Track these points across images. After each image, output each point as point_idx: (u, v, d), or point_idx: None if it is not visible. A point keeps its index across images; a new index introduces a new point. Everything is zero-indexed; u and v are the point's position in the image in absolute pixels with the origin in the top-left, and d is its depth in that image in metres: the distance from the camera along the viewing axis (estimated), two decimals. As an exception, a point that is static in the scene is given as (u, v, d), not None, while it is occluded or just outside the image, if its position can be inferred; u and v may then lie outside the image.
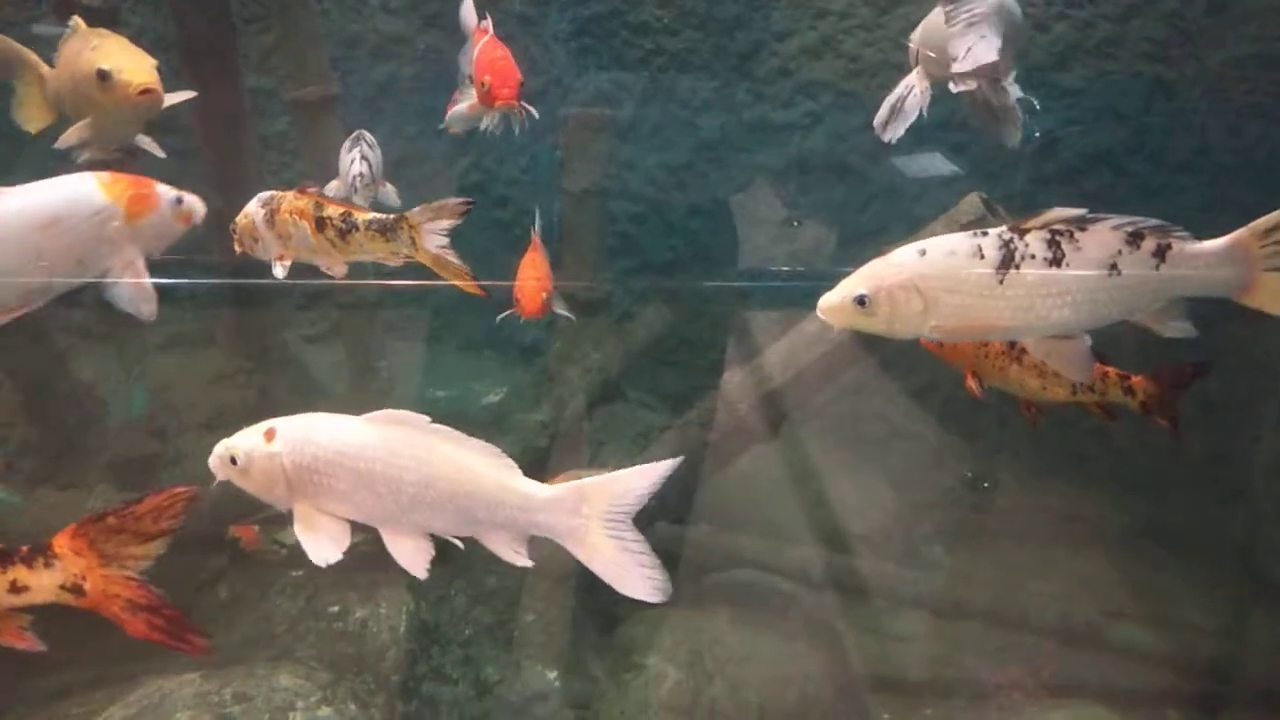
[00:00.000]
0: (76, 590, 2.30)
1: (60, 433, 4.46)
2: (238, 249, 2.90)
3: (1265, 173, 5.33)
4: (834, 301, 2.36)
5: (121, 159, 3.29)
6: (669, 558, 4.37)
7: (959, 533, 5.23)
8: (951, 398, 5.47)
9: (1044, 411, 3.11)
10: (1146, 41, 5.55)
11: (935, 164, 5.12)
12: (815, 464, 5.05)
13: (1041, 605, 4.53)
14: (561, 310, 4.27)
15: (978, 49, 3.01)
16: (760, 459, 4.71)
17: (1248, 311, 2.21)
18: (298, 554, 2.31)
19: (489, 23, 3.59)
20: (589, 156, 5.12)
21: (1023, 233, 2.23)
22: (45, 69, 3.34)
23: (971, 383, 3.11)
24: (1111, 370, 2.92)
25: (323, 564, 2.27)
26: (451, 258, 2.49)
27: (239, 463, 2.34)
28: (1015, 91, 3.27)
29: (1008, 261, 2.23)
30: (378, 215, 2.59)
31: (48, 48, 3.33)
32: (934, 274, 2.28)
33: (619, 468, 2.25)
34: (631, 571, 2.19)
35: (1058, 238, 2.21)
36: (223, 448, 2.37)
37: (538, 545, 2.30)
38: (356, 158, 3.76)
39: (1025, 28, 3.39)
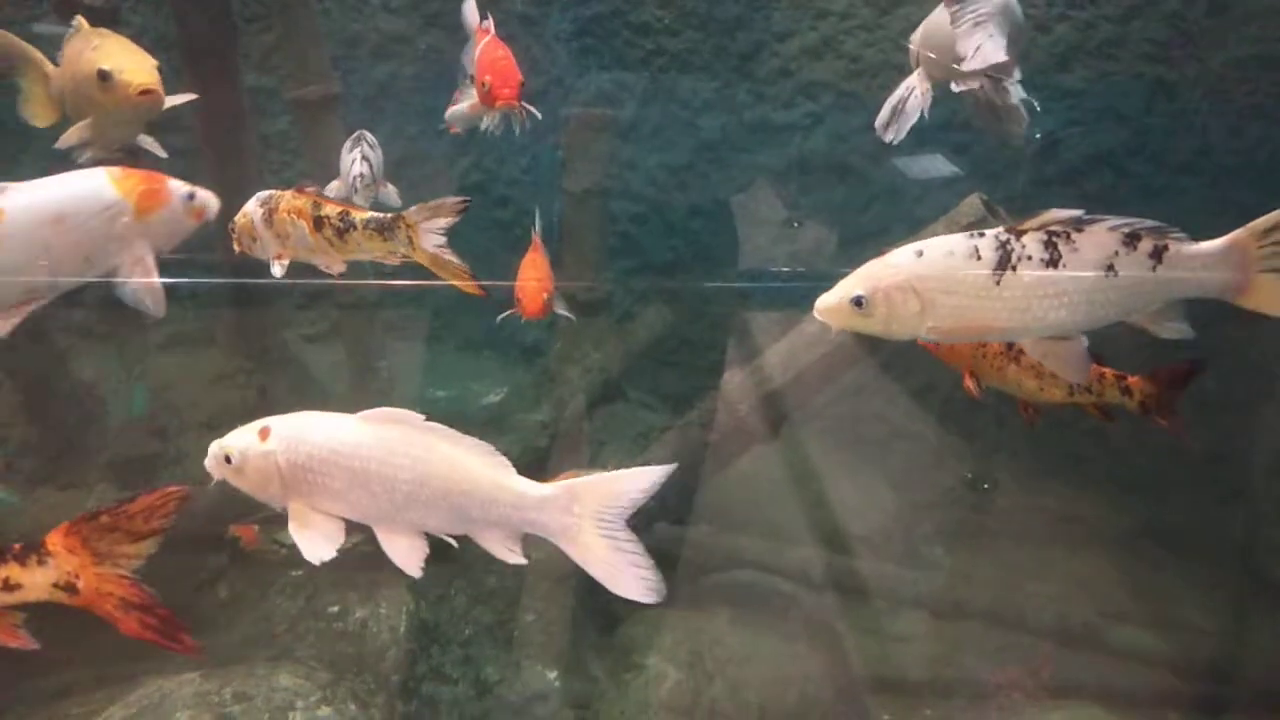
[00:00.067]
0: (69, 588, 2.31)
1: (60, 432, 4.46)
2: (236, 248, 2.90)
3: (1266, 174, 5.33)
4: (831, 303, 2.36)
5: (123, 159, 3.29)
6: (669, 558, 4.41)
7: (958, 533, 5.23)
8: (951, 399, 5.47)
9: (1041, 412, 3.11)
10: (1148, 42, 5.55)
11: (936, 165, 5.12)
12: (815, 465, 5.05)
13: (1041, 606, 4.52)
14: (562, 310, 4.27)
15: (986, 48, 3.01)
16: (760, 460, 4.70)
17: (1244, 312, 2.20)
18: (298, 554, 2.30)
19: (490, 22, 3.59)
20: (590, 157, 5.12)
21: (1020, 234, 2.23)
22: (49, 67, 3.34)
23: (969, 383, 3.11)
24: (1108, 371, 2.92)
25: (317, 562, 2.27)
26: (449, 256, 2.49)
27: (234, 461, 2.35)
28: (1018, 92, 3.27)
29: (1005, 263, 2.23)
30: (375, 214, 2.58)
31: (48, 47, 3.33)
32: (931, 275, 2.28)
33: (619, 468, 2.25)
34: (624, 571, 2.18)
35: (1054, 239, 2.21)
36: (217, 447, 2.38)
37: (538, 545, 2.30)
38: (357, 158, 3.76)
39: (1027, 28, 3.39)
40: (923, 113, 3.42)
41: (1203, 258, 2.19)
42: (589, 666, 4.16)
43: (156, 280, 2.57)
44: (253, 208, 2.81)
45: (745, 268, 5.72)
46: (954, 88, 3.23)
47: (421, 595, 4.22)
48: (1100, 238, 2.21)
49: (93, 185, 2.51)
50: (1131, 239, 2.20)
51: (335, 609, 4.08)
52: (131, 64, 3.02)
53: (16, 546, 2.29)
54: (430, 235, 2.47)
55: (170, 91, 3.13)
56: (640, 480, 2.20)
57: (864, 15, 5.90)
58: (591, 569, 2.21)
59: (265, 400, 4.86)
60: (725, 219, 5.98)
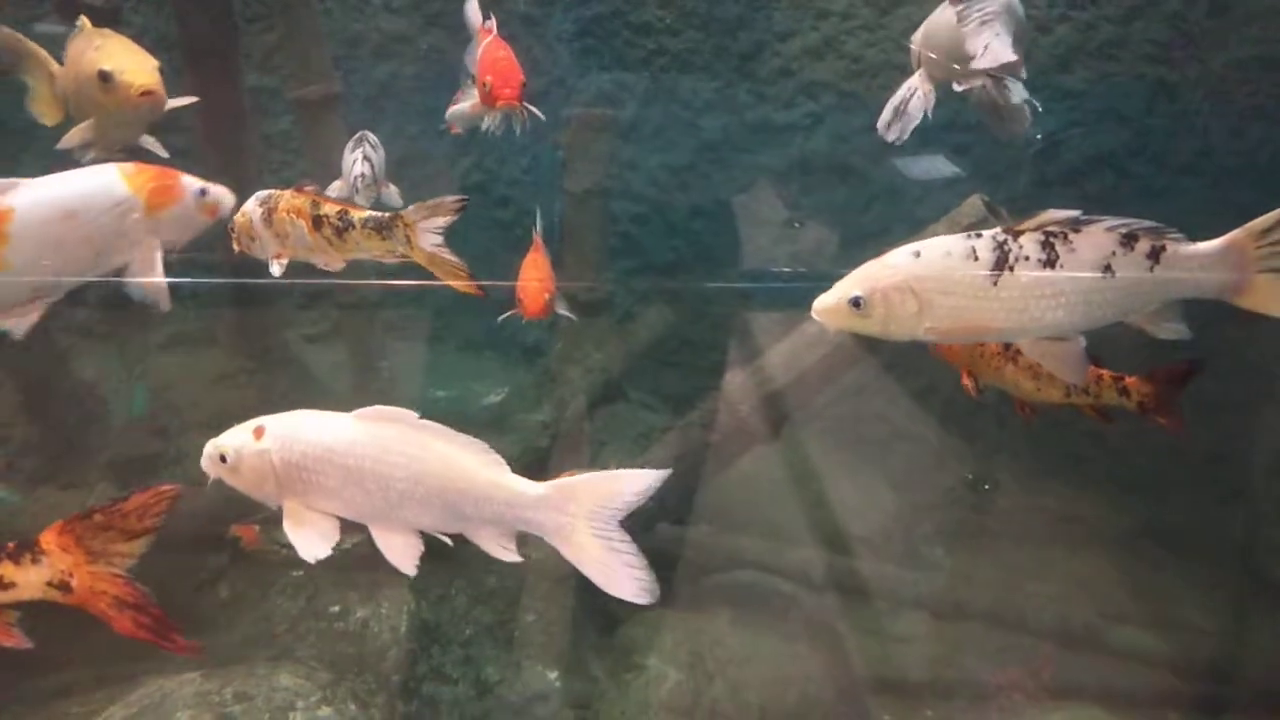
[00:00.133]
0: (63, 587, 2.31)
1: (61, 432, 4.47)
2: (236, 248, 2.91)
3: (1267, 174, 5.33)
4: (828, 303, 2.36)
5: (125, 160, 3.30)
6: (670, 559, 4.41)
7: (959, 534, 5.23)
8: (952, 400, 5.46)
9: (1037, 411, 3.11)
10: (1149, 43, 5.55)
11: (937, 166, 5.12)
12: (816, 465, 5.05)
13: (1041, 606, 4.52)
14: (563, 311, 4.27)
15: (995, 47, 3.01)
16: (761, 460, 4.71)
17: (1242, 312, 2.20)
18: (298, 554, 2.30)
19: (493, 22, 3.58)
20: (591, 157, 5.12)
21: (1017, 234, 2.23)
22: (55, 66, 3.35)
23: (967, 381, 3.11)
24: (1105, 373, 2.92)
25: (312, 560, 2.27)
26: (447, 256, 2.48)
27: (229, 460, 2.35)
28: (1020, 92, 3.27)
29: (1002, 263, 2.23)
30: (373, 214, 2.58)
31: (50, 47, 3.34)
32: (929, 276, 2.28)
33: (619, 469, 2.25)
34: (618, 571, 2.18)
35: (1052, 239, 2.21)
36: (213, 446, 2.38)
37: (538, 545, 2.31)
38: (359, 158, 3.77)
39: (1029, 28, 3.39)
40: (927, 113, 3.43)
41: (1200, 258, 2.19)
42: (589, 667, 4.15)
43: (161, 280, 2.58)
44: (251, 207, 2.81)
45: (746, 268, 5.73)
46: (956, 87, 3.23)
47: (422, 595, 4.22)
48: (1097, 238, 2.21)
49: (104, 181, 2.52)
50: (1129, 239, 2.19)
51: (336, 609, 4.08)
52: (132, 65, 3.03)
53: (10, 545, 2.30)
54: (428, 234, 2.47)
55: (172, 92, 3.13)
56: (635, 482, 2.20)
57: (865, 15, 5.90)
58: (585, 568, 2.21)
59: (266, 400, 4.87)
60: (726, 219, 5.98)
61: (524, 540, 2.33)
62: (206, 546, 4.26)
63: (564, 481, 2.24)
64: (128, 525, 2.31)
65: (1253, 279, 2.16)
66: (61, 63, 3.31)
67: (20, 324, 2.52)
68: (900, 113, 3.45)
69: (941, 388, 5.51)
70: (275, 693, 3.50)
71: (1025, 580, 4.79)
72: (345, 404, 2.38)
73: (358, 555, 3.59)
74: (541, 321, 4.26)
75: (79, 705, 3.54)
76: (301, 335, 5.76)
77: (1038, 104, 3.34)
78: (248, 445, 2.34)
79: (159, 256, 2.57)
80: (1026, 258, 2.21)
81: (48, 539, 2.31)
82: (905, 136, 3.44)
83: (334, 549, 2.32)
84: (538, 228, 4.27)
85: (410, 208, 2.48)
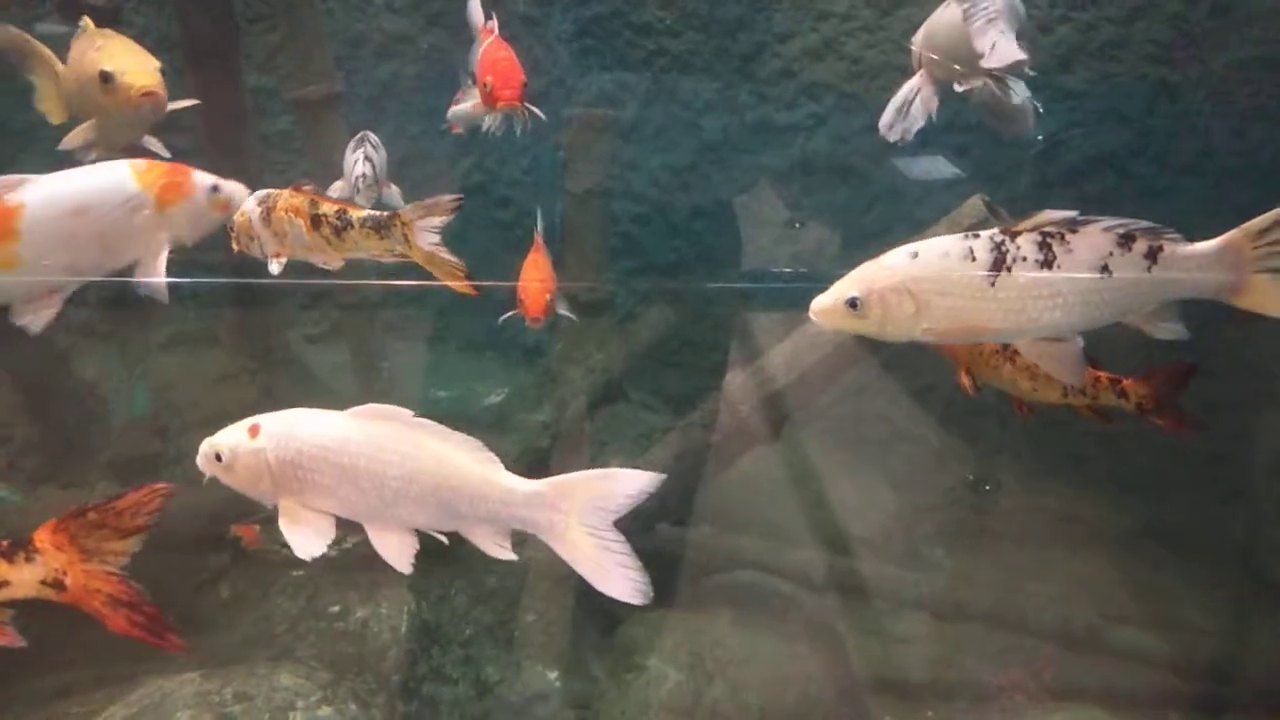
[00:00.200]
0: (57, 585, 2.31)
1: (62, 431, 4.47)
2: (235, 247, 2.91)
3: (1269, 175, 5.32)
4: (826, 304, 2.36)
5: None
6: (670, 559, 4.41)
7: (960, 534, 5.22)
8: (953, 400, 5.46)
9: (1035, 410, 3.11)
10: (1150, 44, 5.54)
11: (938, 166, 5.12)
12: (817, 465, 5.05)
13: (1042, 607, 4.51)
14: (564, 311, 4.28)
15: (1001, 45, 3.00)
16: (762, 460, 4.70)
17: (1240, 313, 2.20)
18: (298, 554, 2.31)
19: (495, 22, 3.59)
20: (592, 157, 5.12)
21: (1014, 235, 2.23)
22: (59, 65, 3.37)
23: (964, 379, 3.11)
24: (1103, 374, 2.92)
25: (307, 558, 2.28)
26: (444, 255, 2.49)
27: (224, 459, 2.36)
28: (1022, 91, 3.27)
29: (999, 264, 2.23)
30: (372, 213, 2.58)
31: (52, 47, 3.35)
32: (926, 276, 2.28)
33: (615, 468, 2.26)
34: (611, 571, 2.19)
35: (1049, 240, 2.21)
36: (208, 445, 2.39)
37: (538, 545, 2.30)
38: (360, 159, 3.78)
39: (1030, 28, 3.39)
40: (931, 115, 3.43)
41: (1198, 258, 2.18)
42: (589, 667, 4.15)
43: (163, 280, 2.58)
44: (250, 206, 2.82)
45: (747, 268, 5.73)
46: (957, 87, 3.23)
47: (422, 595, 4.22)
48: (1095, 239, 2.20)
49: (115, 177, 2.53)
50: (1126, 240, 2.19)
51: (336, 609, 4.08)
52: (133, 66, 3.04)
53: (4, 543, 2.29)
54: (425, 233, 2.47)
55: (173, 92, 3.14)
56: (629, 483, 2.20)
57: (865, 17, 5.90)
58: (578, 567, 2.21)
59: (267, 400, 4.87)
60: (727, 220, 5.99)
61: (523, 540, 2.34)
62: (207, 546, 4.26)
63: (558, 480, 2.25)
64: (121, 523, 2.31)
65: (1250, 279, 2.16)
66: (66, 62, 3.32)
67: (37, 319, 2.53)
68: (903, 113, 3.45)
69: (942, 388, 5.51)
70: (275, 693, 3.50)
71: (1026, 581, 4.79)
72: (346, 404, 2.39)
73: (357, 555, 3.60)
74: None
75: (79, 705, 3.54)
76: (303, 335, 5.76)
77: (1039, 105, 3.35)
78: (243, 444, 2.35)
79: (164, 253, 2.58)
80: (1024, 258, 2.21)
81: (41, 537, 2.30)
82: (909, 137, 3.45)
83: (333, 548, 2.33)
84: (539, 228, 4.28)
85: (407, 207, 2.49)
